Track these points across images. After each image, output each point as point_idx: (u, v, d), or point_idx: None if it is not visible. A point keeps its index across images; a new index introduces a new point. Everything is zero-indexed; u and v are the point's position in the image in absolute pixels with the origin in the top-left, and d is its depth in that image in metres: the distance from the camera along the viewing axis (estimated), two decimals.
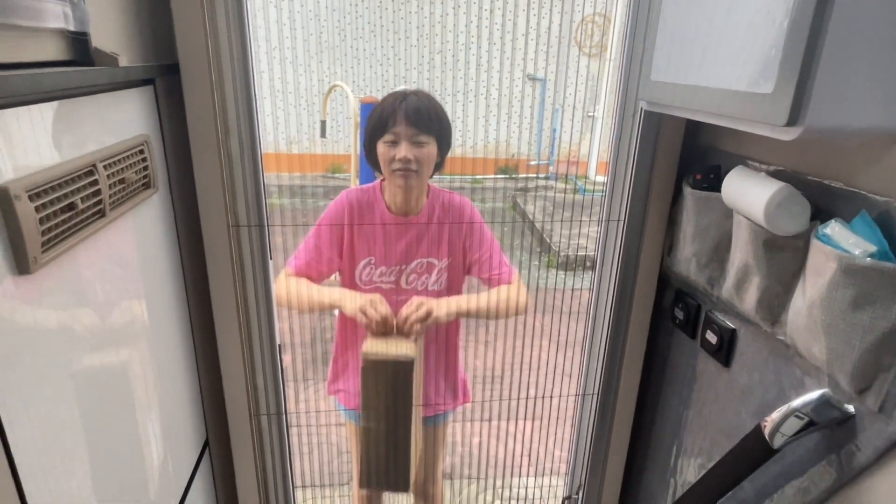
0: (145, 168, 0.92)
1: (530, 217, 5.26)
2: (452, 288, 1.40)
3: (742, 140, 1.06)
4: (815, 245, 0.82)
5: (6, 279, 0.61)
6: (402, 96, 1.26)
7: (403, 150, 1.23)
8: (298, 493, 2.29)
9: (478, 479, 2.87)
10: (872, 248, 0.75)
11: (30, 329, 0.66)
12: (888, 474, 0.78)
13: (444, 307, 1.26)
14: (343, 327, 1.45)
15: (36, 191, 0.63)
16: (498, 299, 1.32)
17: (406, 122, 1.23)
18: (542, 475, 2.58)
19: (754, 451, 0.94)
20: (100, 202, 0.77)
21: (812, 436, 0.90)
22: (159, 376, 1.04)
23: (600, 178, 1.32)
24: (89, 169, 0.75)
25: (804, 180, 0.90)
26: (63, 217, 0.68)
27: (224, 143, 1.10)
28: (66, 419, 0.73)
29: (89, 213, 0.75)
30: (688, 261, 1.16)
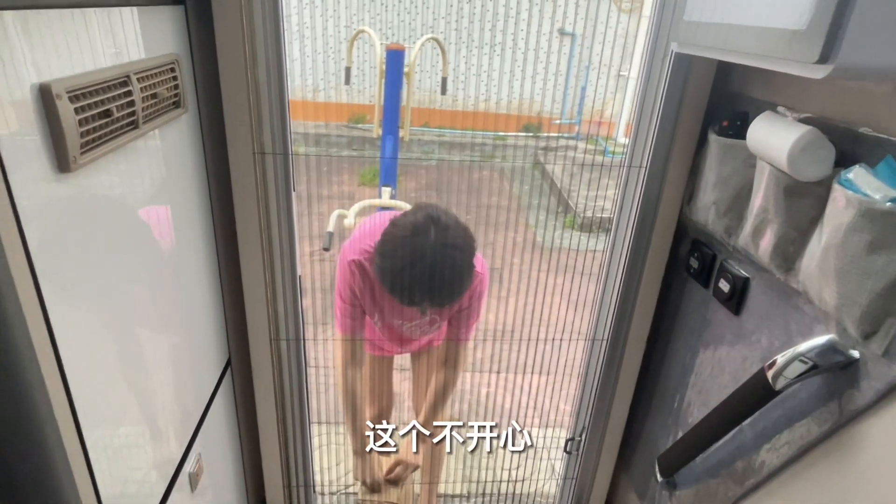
0: (176, 87, 0.94)
1: (552, 177, 5.21)
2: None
3: (772, 85, 1.04)
4: (837, 190, 0.82)
5: (49, 176, 0.64)
6: (424, 267, 1.11)
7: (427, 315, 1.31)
8: (319, 428, 2.40)
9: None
10: (894, 194, 0.75)
11: (71, 227, 0.69)
12: (886, 416, 0.80)
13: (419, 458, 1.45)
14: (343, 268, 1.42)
15: (76, 93, 0.66)
16: (445, 399, 1.48)
17: (431, 305, 1.18)
18: (548, 426, 2.65)
19: (756, 393, 0.96)
20: (133, 113, 0.80)
21: (814, 380, 0.92)
22: (185, 292, 1.09)
23: (628, 141, 1.30)
24: (124, 79, 0.77)
25: (832, 126, 0.89)
26: (100, 122, 0.71)
27: (252, 71, 1.12)
28: (103, 321, 0.78)
29: (124, 122, 0.77)
30: (707, 209, 1.16)
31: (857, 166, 0.80)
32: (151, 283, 0.95)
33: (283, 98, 1.16)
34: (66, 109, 0.64)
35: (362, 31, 4.91)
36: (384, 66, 3.57)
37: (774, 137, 0.91)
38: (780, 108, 1.00)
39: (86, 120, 0.68)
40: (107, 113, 0.72)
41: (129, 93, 0.78)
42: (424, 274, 1.11)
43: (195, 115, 1.07)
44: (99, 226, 0.77)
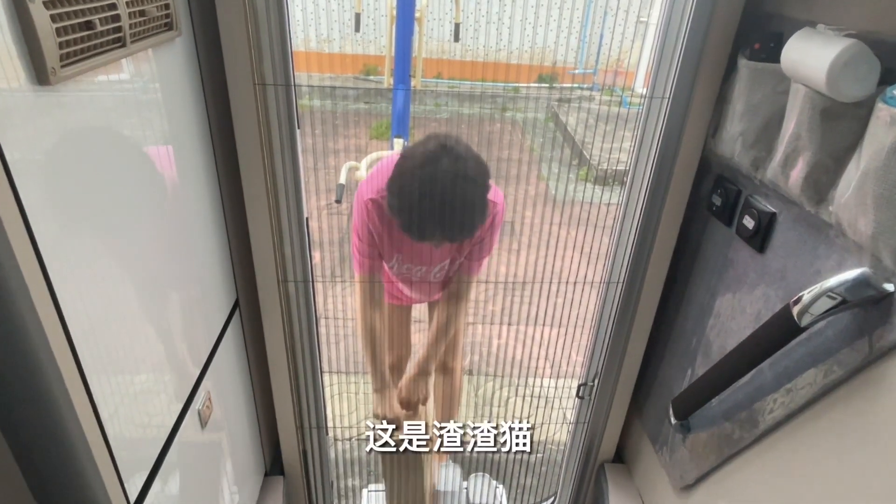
0: (167, 6, 0.88)
1: (568, 129, 5.08)
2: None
3: (810, 1, 0.95)
4: (880, 109, 0.75)
5: (25, 86, 0.60)
6: (435, 201, 1.08)
7: (439, 248, 1.25)
8: (330, 378, 2.42)
9: (496, 376, 2.97)
10: None
11: (54, 143, 0.66)
12: None
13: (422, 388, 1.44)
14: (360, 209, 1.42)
15: None
16: (447, 336, 1.48)
17: (446, 239, 1.17)
18: (560, 377, 2.65)
19: (780, 330, 0.92)
20: (119, 29, 0.74)
21: (841, 317, 0.87)
22: (186, 228, 1.06)
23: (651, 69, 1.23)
24: None
25: (878, 40, 0.81)
26: (81, 34, 0.66)
27: None
28: (97, 249, 0.75)
29: (109, 38, 0.73)
30: (733, 140, 1.09)
31: None
32: (149, 215, 0.91)
33: (283, 26, 1.10)
34: (40, 15, 0.59)
35: None
36: (395, 12, 3.43)
37: (812, 55, 0.83)
38: (819, 26, 0.92)
39: (64, 30, 0.63)
40: (88, 25, 0.67)
41: (114, 6, 0.73)
42: (436, 206, 1.09)
43: (190, 39, 1.01)
44: (89, 148, 0.73)
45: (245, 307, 1.34)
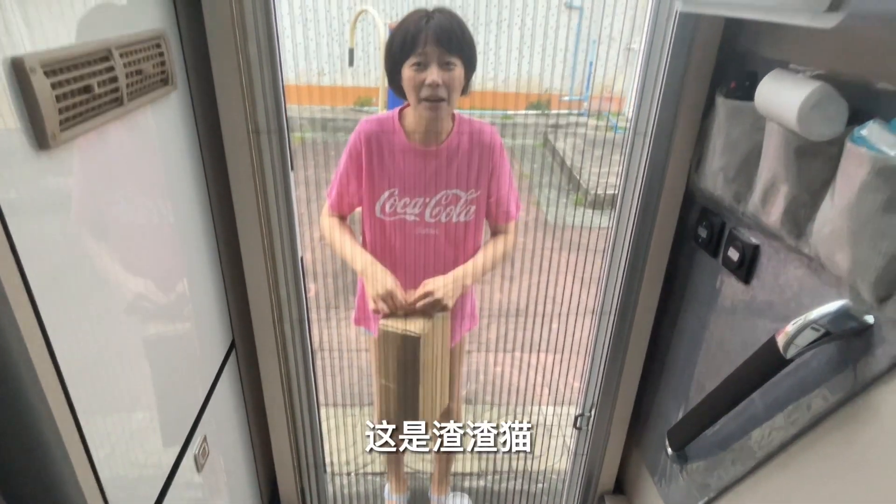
0: (163, 63, 0.92)
1: (561, 154, 5.14)
2: (479, 220, 1.38)
3: (782, 42, 0.99)
4: (850, 148, 0.78)
5: (27, 151, 0.62)
6: (427, 15, 1.18)
7: (433, 74, 1.17)
8: (326, 410, 2.41)
9: (497, 405, 2.96)
10: None
11: (53, 204, 0.68)
12: None
13: (451, 292, 1.29)
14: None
15: (52, 67, 0.64)
16: (494, 259, 1.36)
17: (435, 43, 1.16)
18: (560, 404, 2.65)
19: (767, 362, 0.93)
20: (117, 89, 0.78)
21: (826, 349, 0.89)
22: (183, 273, 1.08)
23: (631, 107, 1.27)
24: (105, 54, 0.75)
25: (845, 82, 0.84)
26: (80, 98, 0.69)
27: (242, 46, 1.09)
28: (93, 300, 0.77)
29: (107, 98, 0.76)
30: (715, 175, 1.12)
31: (871, 122, 0.76)
32: (145, 263, 0.93)
33: (275, 75, 1.14)
34: (41, 84, 0.62)
35: (364, 12, 4.85)
36: None
37: (784, 96, 0.86)
38: (791, 66, 0.96)
39: (64, 95, 0.66)
40: (87, 89, 0.70)
41: (111, 68, 0.76)
42: (430, 23, 1.17)
43: (186, 92, 1.05)
44: (87, 205, 0.76)
45: (241, 348, 1.35)
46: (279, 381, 1.43)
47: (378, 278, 1.28)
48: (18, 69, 0.59)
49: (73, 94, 0.68)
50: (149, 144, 0.93)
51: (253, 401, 1.44)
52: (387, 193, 1.32)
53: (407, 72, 1.19)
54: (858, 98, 0.82)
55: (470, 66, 1.24)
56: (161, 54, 0.91)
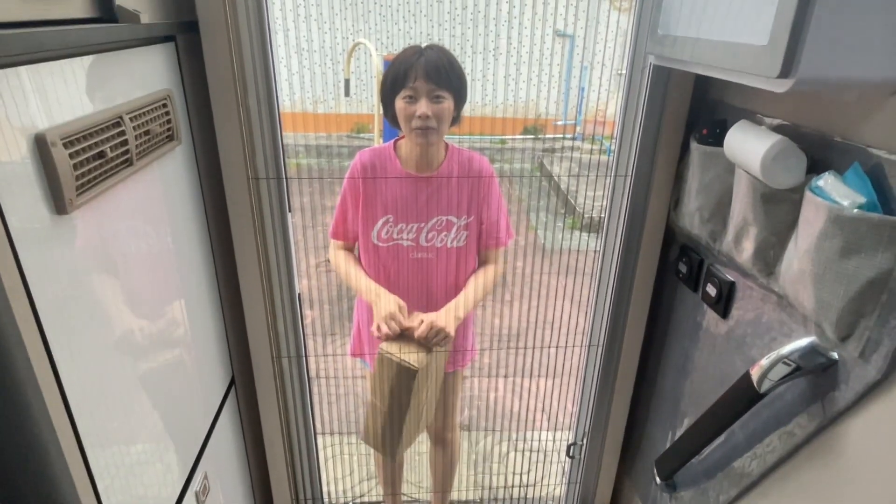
0: (168, 121, 0.98)
1: (556, 178, 5.23)
2: (471, 245, 1.44)
3: (747, 94, 1.06)
4: (808, 197, 0.84)
5: (46, 218, 0.68)
6: (419, 51, 1.26)
7: (423, 107, 1.24)
8: (324, 439, 2.43)
9: (494, 430, 2.98)
10: (862, 200, 0.77)
11: (69, 265, 0.73)
12: (866, 416, 0.81)
13: (452, 322, 1.34)
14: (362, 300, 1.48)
15: (70, 139, 0.70)
16: (484, 289, 1.42)
17: (425, 78, 1.23)
18: (558, 429, 2.67)
19: (743, 396, 0.98)
20: (127, 152, 0.83)
21: (799, 382, 0.94)
22: (188, 316, 1.13)
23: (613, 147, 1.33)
24: (116, 120, 0.81)
25: (804, 134, 0.91)
26: (95, 164, 0.75)
27: (243, 100, 1.15)
28: (107, 352, 0.82)
29: (118, 161, 0.81)
30: (692, 215, 1.18)
31: (827, 173, 0.82)
32: (152, 310, 0.98)
33: (274, 124, 1.20)
34: (60, 155, 0.68)
35: (359, 43, 4.97)
36: (381, 77, 3.61)
37: (748, 146, 0.93)
38: (758, 115, 1.03)
39: (80, 163, 0.72)
40: (101, 154, 0.76)
41: (123, 132, 0.82)
42: (420, 59, 1.24)
43: (189, 145, 1.11)
44: (99, 259, 0.81)
45: (240, 384, 1.39)
46: (277, 415, 1.46)
47: (383, 303, 1.33)
48: (41, 144, 0.65)
49: (88, 161, 0.74)
50: (154, 196, 0.98)
51: (252, 435, 1.48)
52: (382, 220, 1.38)
53: (399, 104, 1.27)
54: (816, 149, 0.88)
55: (459, 99, 1.31)
56: (167, 113, 0.98)
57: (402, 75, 1.26)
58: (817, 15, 0.69)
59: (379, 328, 1.30)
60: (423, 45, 1.30)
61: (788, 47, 0.71)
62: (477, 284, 1.41)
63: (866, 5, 0.69)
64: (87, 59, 0.77)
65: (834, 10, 0.69)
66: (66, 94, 0.72)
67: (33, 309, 0.65)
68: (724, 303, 1.13)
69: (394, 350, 1.27)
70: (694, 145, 1.14)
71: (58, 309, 0.70)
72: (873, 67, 0.72)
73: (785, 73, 0.73)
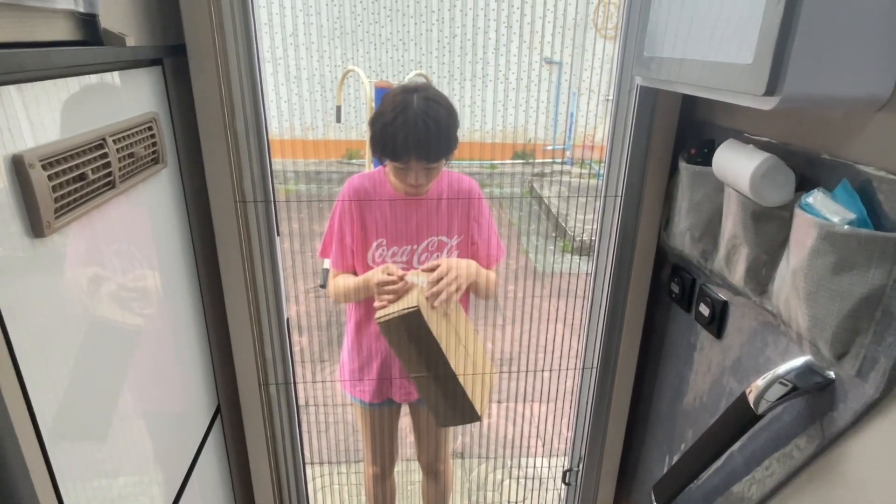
0: (154, 144, 0.97)
1: (546, 202, 5.26)
2: None
3: (734, 113, 1.07)
4: (798, 214, 0.84)
5: (22, 241, 0.66)
6: (409, 117, 1.19)
7: (413, 178, 1.26)
8: (313, 469, 2.37)
9: (488, 458, 2.92)
10: (851, 216, 0.77)
11: (46, 290, 0.71)
12: (865, 436, 0.80)
13: (464, 275, 1.31)
14: (354, 322, 1.48)
15: (49, 160, 0.68)
16: (487, 279, 1.41)
17: (416, 158, 1.22)
18: (553, 455, 2.62)
19: (740, 417, 0.96)
20: (110, 174, 0.82)
21: (797, 403, 0.92)
22: (171, 343, 1.10)
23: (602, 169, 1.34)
24: (99, 142, 0.80)
25: (792, 151, 0.91)
26: (75, 186, 0.73)
27: (230, 123, 1.15)
28: (84, 381, 0.79)
29: (100, 183, 0.80)
30: (683, 235, 1.17)
31: (815, 191, 0.82)
32: (134, 337, 0.96)
33: (262, 146, 1.19)
34: (39, 177, 0.66)
35: (351, 71, 5.03)
36: (373, 104, 3.64)
37: (737, 165, 0.93)
38: (745, 135, 1.03)
39: (60, 185, 0.70)
40: (82, 177, 0.75)
41: (105, 154, 0.81)
42: (410, 125, 1.19)
43: (175, 168, 1.10)
44: (78, 284, 0.78)
45: (226, 413, 1.35)
46: (265, 444, 1.42)
47: (372, 273, 1.32)
48: (18, 165, 0.64)
49: (68, 182, 0.72)
50: (138, 219, 0.97)
51: (238, 466, 1.43)
52: (375, 244, 1.38)
53: (391, 165, 1.28)
54: (805, 167, 0.88)
55: (450, 156, 1.31)
56: (153, 136, 0.96)
57: (390, 150, 1.22)
58: (800, 33, 0.70)
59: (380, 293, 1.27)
60: (412, 96, 1.23)
61: (773, 65, 0.72)
62: (481, 270, 1.41)
63: (849, 23, 0.69)
64: (70, 81, 0.76)
65: (817, 28, 0.69)
66: (48, 115, 0.71)
67: (5, 335, 0.62)
68: (717, 323, 1.12)
69: (391, 309, 1.23)
70: (683, 165, 1.14)
71: (32, 335, 0.67)
72: (858, 84, 0.73)
73: (770, 90, 0.73)
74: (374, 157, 1.33)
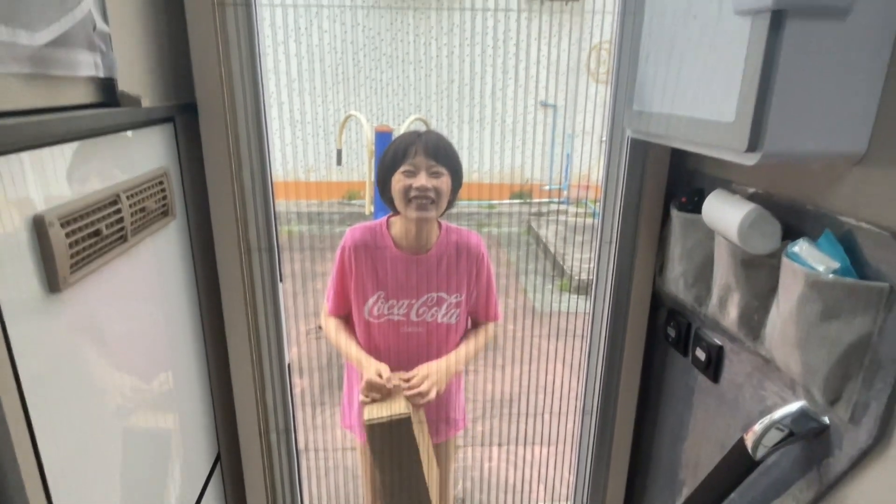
0: (164, 198, 1.01)
1: (544, 241, 5.31)
2: (462, 322, 1.46)
3: (722, 164, 1.11)
4: (785, 263, 0.87)
5: (39, 297, 0.69)
6: (417, 134, 1.33)
7: (422, 180, 1.29)
8: None
9: None
10: (836, 265, 0.80)
11: (59, 343, 0.73)
12: (862, 482, 0.81)
13: (443, 380, 1.37)
14: (351, 366, 1.49)
15: (67, 219, 0.72)
16: (476, 347, 1.45)
17: (424, 154, 1.29)
18: (556, 500, 2.57)
19: (738, 463, 0.97)
20: (122, 229, 0.85)
21: (794, 448, 0.93)
22: (175, 391, 1.11)
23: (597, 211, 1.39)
24: (113, 199, 0.83)
25: (777, 202, 0.95)
26: (90, 242, 0.77)
27: (237, 175, 1.19)
28: (90, 428, 0.80)
29: (113, 238, 0.83)
30: (676, 280, 1.20)
31: (801, 240, 0.86)
32: (138, 386, 0.97)
33: (267, 195, 1.23)
34: (57, 235, 0.69)
35: (352, 115, 5.16)
36: (373, 147, 3.74)
37: (725, 214, 0.97)
38: (733, 185, 1.07)
39: (76, 241, 0.73)
40: (97, 233, 0.78)
41: (119, 210, 0.84)
42: (420, 139, 1.31)
43: (183, 220, 1.13)
44: (88, 336, 0.81)
45: (227, 461, 1.35)
46: (264, 492, 1.41)
47: (365, 371, 1.34)
48: (39, 225, 0.67)
49: (84, 238, 0.75)
50: (147, 270, 1.00)
51: None
52: (374, 297, 1.40)
53: (397, 177, 1.31)
54: (790, 217, 0.92)
55: (456, 179, 1.36)
56: (163, 190, 1.00)
57: (401, 151, 1.31)
58: (778, 93, 0.74)
59: (367, 392, 1.31)
60: (422, 130, 1.38)
61: (754, 124, 0.76)
62: (469, 346, 1.45)
63: (825, 83, 0.74)
64: (88, 142, 0.80)
65: (794, 88, 0.74)
66: (65, 175, 0.75)
67: (18, 384, 0.64)
68: (713, 367, 1.13)
69: (377, 412, 1.25)
70: (674, 212, 1.18)
71: (42, 385, 0.69)
72: (835, 140, 0.77)
73: (752, 147, 0.77)
74: (376, 186, 1.39)
